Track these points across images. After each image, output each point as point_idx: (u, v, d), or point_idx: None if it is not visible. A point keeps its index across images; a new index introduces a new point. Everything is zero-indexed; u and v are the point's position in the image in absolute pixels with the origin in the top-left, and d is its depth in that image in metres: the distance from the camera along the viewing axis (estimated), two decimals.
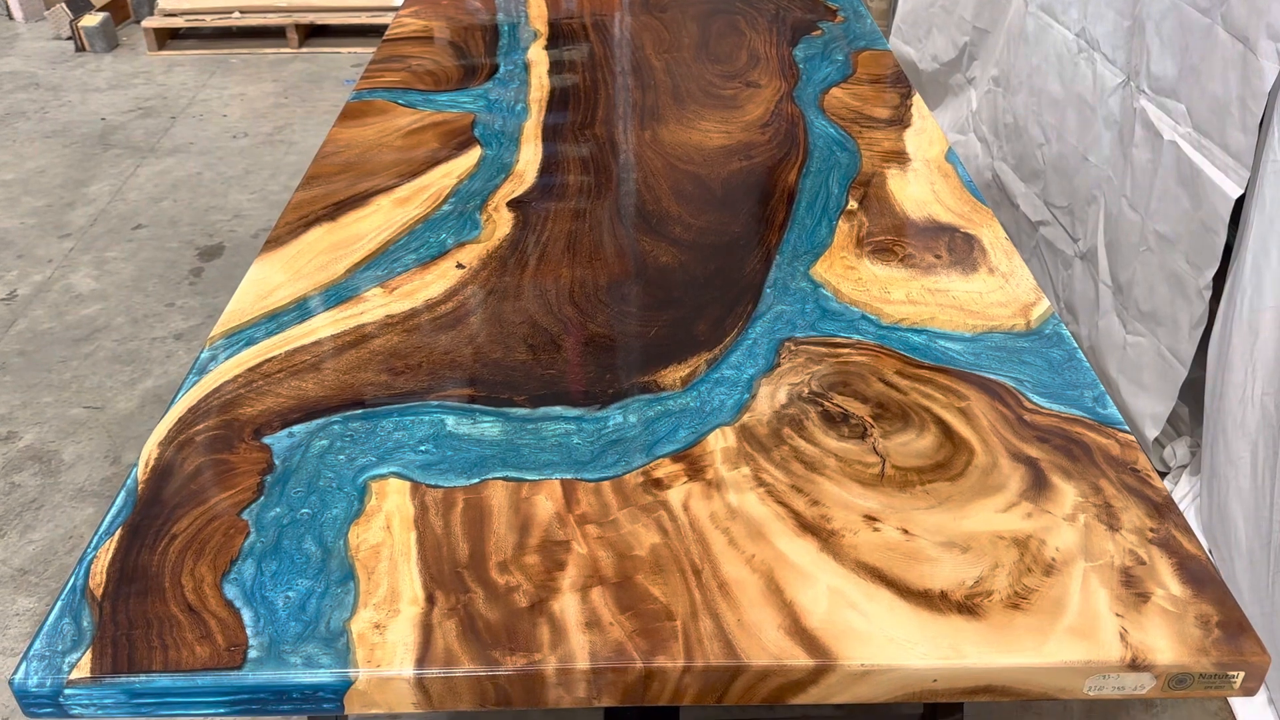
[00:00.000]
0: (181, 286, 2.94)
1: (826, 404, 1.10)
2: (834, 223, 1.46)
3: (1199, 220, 1.86)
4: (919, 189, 1.54)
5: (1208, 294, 1.87)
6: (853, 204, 1.51)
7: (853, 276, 1.33)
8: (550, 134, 1.75)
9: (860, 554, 0.92)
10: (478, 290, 1.31)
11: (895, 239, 1.41)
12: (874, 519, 0.95)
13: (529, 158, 1.66)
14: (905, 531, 0.94)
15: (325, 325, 1.24)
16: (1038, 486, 0.99)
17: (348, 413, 1.10)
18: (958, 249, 1.39)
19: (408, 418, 1.09)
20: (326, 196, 1.54)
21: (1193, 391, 2.06)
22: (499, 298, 1.29)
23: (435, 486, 1.00)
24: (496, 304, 1.28)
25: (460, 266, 1.36)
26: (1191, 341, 1.95)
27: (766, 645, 0.83)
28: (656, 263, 1.37)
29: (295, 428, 1.08)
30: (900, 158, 1.64)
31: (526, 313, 1.26)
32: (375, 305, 1.28)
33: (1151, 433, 2.09)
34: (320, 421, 1.09)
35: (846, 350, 1.18)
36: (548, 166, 1.63)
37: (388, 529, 0.95)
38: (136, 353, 2.64)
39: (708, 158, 1.67)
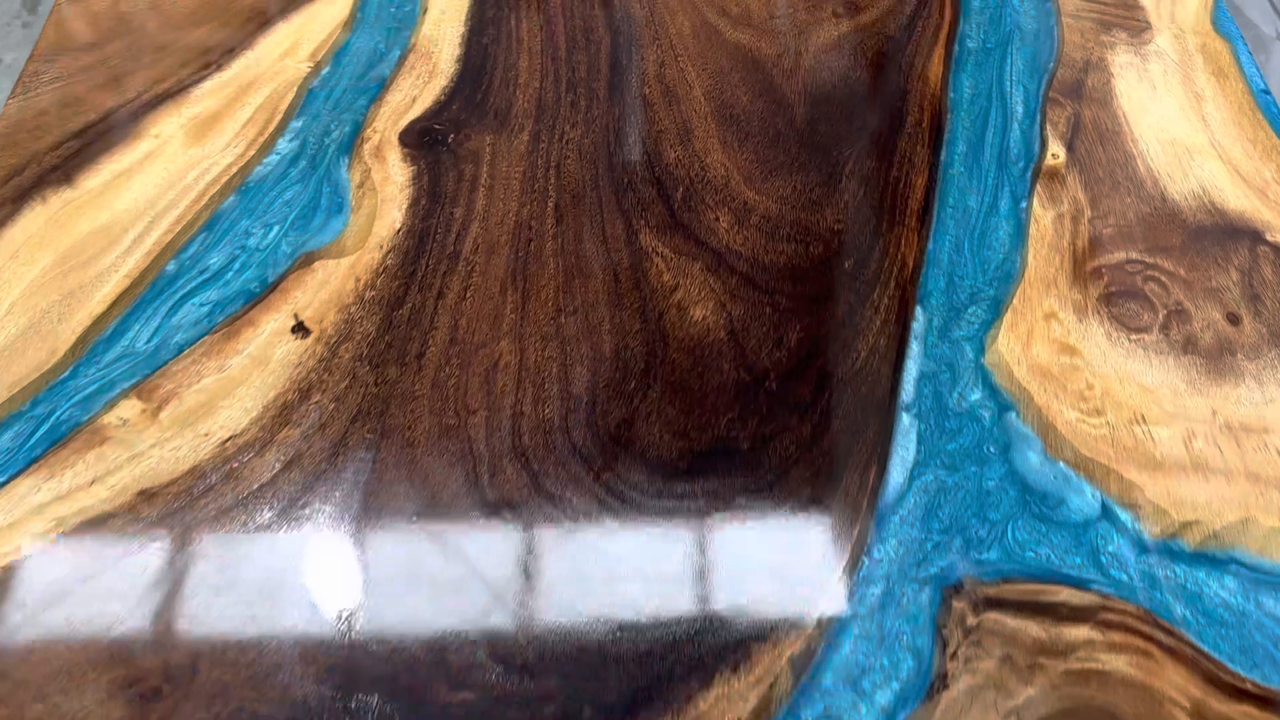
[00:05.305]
0: (13, 29, 2.14)
1: None
2: (1023, 203, 0.76)
3: None
4: (1170, 111, 0.82)
5: None
6: (1056, 150, 0.80)
7: (1074, 375, 0.67)
8: None
9: None
10: (328, 413, 0.65)
11: (1144, 261, 0.73)
12: None
13: (444, 9, 0.91)
14: None
15: (7, 533, 0.61)
16: None
17: None
18: (1266, 294, 0.71)
19: None
20: (64, 117, 0.81)
21: None
22: (368, 437, 0.64)
23: None
24: (361, 462, 0.63)
25: (300, 330, 0.69)
26: None
27: None
28: (680, 332, 0.70)
29: None
30: (1130, 20, 0.89)
31: (422, 490, 0.62)
32: (118, 460, 0.63)
33: None
34: None
35: (1081, 630, 0.57)
36: (480, 28, 0.89)
37: None
38: None
39: (767, 8, 0.92)
